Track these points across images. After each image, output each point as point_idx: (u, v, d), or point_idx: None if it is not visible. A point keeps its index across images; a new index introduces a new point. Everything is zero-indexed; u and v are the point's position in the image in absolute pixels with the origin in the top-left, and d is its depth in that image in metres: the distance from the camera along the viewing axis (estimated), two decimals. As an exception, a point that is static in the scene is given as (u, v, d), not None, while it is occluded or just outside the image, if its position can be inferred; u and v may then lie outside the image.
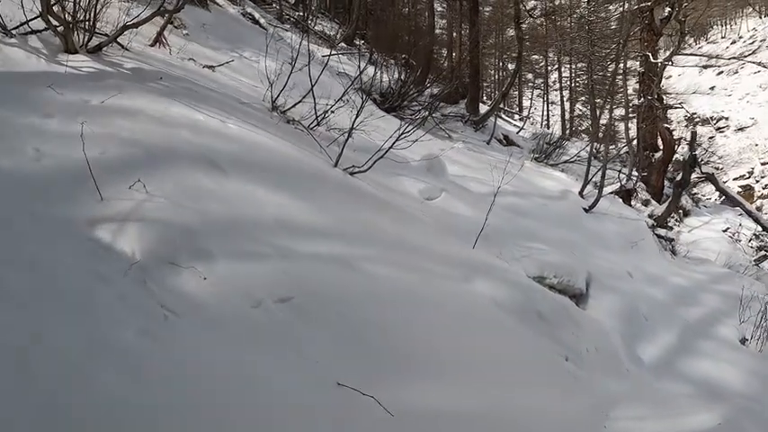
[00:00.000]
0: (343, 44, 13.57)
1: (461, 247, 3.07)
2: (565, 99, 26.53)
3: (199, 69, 3.71)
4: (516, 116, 21.36)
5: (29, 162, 1.65)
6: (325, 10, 17.59)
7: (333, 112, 3.50)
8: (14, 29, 2.55)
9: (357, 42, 15.41)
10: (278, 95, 3.45)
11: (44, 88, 2.13)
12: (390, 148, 3.01)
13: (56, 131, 1.82)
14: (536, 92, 31.15)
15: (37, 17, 2.57)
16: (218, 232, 1.59)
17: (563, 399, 2.17)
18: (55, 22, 2.56)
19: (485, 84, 25.03)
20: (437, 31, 20.21)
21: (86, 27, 2.78)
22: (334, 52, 9.93)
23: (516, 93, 30.91)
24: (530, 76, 31.13)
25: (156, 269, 1.35)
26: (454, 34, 19.98)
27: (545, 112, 26.86)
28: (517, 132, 14.56)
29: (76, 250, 1.35)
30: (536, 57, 30.76)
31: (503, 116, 18.57)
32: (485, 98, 20.50)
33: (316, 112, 3.57)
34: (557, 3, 22.69)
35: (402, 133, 3.02)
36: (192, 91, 2.85)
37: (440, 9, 20.63)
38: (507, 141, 11.33)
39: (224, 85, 3.56)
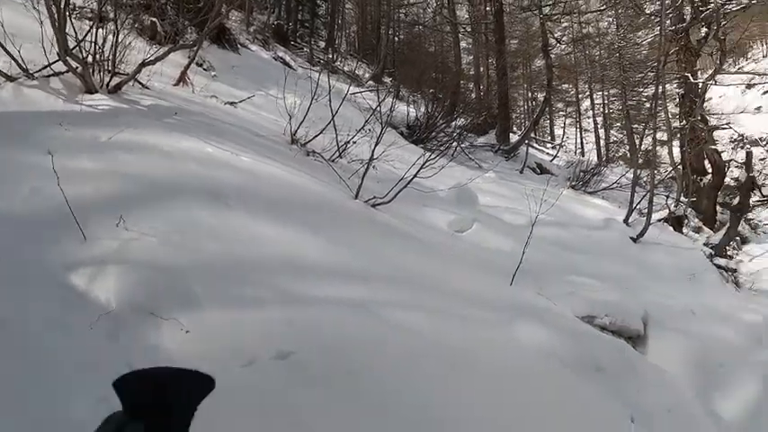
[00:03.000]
0: (371, 82, 13.90)
1: (498, 285, 2.73)
2: (599, 126, 25.84)
3: (220, 106, 3.68)
4: (549, 144, 20.88)
5: (22, 202, 1.52)
6: (354, 51, 18.23)
7: (355, 143, 3.35)
8: (37, 71, 2.57)
9: (385, 80, 15.77)
10: (297, 128, 3.34)
11: (53, 126, 2.06)
12: (415, 176, 2.79)
13: (56, 168, 1.71)
14: (568, 120, 30.62)
15: (57, 61, 2.58)
16: (212, 275, 1.38)
17: (635, 475, 1.74)
18: (74, 64, 2.56)
19: (514, 114, 24.84)
20: (464, 65, 20.48)
21: (107, 67, 2.79)
22: (361, 89, 10.09)
23: (548, 122, 30.53)
24: (560, 104, 30.78)
25: (131, 320, 1.14)
26: (481, 68, 20.12)
27: (578, 140, 26.20)
28: (551, 161, 14.10)
29: (48, 299, 1.16)
30: (566, 86, 30.52)
31: (535, 145, 18.18)
32: (514, 128, 20.23)
33: (338, 143, 3.42)
34: (584, 31, 22.56)
35: (426, 161, 2.79)
36: (208, 125, 2.77)
37: (465, 45, 20.94)
38: (541, 170, 10.92)
39: (244, 120, 3.49)
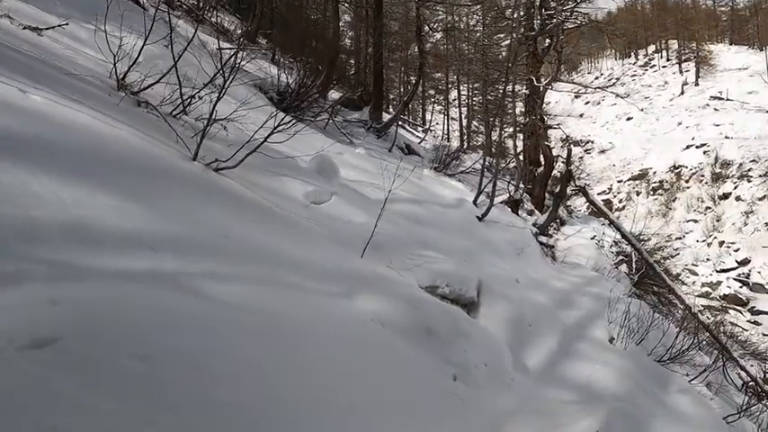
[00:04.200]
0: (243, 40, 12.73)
1: (349, 257, 2.74)
2: (463, 116, 28.39)
3: (15, 30, 2.86)
4: (419, 128, 22.17)
5: None
6: (226, 3, 16.37)
7: (201, 98, 2.94)
8: None
9: (260, 41, 14.62)
10: (129, 69, 2.79)
11: None
12: (266, 139, 2.57)
13: None
14: (437, 107, 33.02)
15: None
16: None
17: (452, 428, 1.93)
18: None
19: (390, 97, 25.64)
20: (345, 41, 20.23)
21: None
22: (230, 46, 9.12)
23: (420, 107, 32.36)
24: (432, 91, 32.88)
25: None
26: (361, 44, 20.09)
27: (446, 127, 28.42)
28: (419, 143, 14.98)
29: None
30: (438, 75, 32.68)
31: (406, 127, 19.08)
32: (390, 109, 20.93)
33: (182, 95, 2.96)
34: (456, 24, 24.26)
35: (280, 123, 2.59)
36: (-15, 50, 2.11)
37: (348, 20, 20.63)
38: (409, 150, 11.49)
39: (50, 53, 2.77)
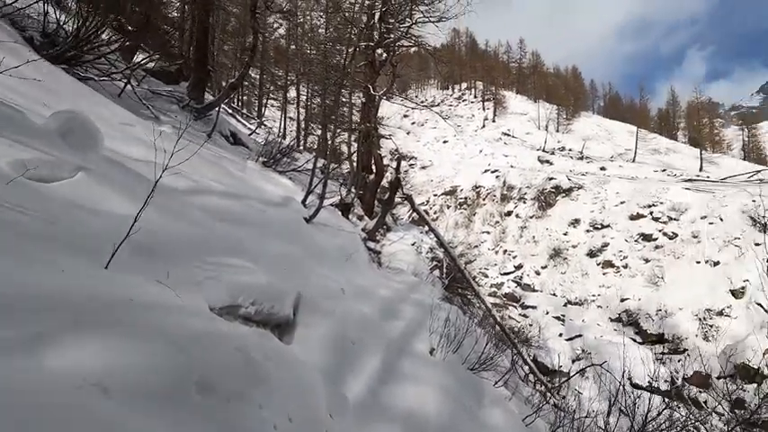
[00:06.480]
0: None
1: (78, 270, 1.68)
2: (301, 117, 27.69)
3: None
4: (252, 120, 20.46)
5: None
6: None
7: None
8: None
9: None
10: None
11: None
12: None
13: None
14: (276, 103, 31.50)
15: None
16: None
17: None
18: None
19: (223, 83, 23.12)
20: (172, 12, 17.30)
21: None
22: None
23: (257, 100, 30.32)
24: (270, 86, 31.23)
25: None
26: (187, 15, 17.43)
27: (282, 125, 27.22)
28: (249, 135, 13.62)
29: None
30: (280, 73, 31.26)
31: (237, 116, 17.28)
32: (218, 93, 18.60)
33: None
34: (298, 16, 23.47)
35: None
36: None
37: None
38: (235, 140, 10.12)
39: None
